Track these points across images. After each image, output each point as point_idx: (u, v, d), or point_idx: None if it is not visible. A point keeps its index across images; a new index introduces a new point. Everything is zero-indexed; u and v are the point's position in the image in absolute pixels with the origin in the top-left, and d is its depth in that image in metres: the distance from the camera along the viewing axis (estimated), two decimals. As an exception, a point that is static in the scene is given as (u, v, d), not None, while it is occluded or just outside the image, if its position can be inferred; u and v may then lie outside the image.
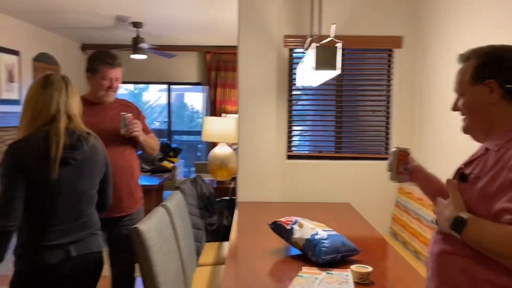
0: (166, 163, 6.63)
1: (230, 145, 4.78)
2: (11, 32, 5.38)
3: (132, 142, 2.52)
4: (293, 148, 3.57)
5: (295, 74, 3.46)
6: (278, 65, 3.42)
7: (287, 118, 3.51)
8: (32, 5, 4.75)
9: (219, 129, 4.54)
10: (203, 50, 7.40)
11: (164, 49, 6.32)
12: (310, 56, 2.21)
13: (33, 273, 1.76)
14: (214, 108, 7.34)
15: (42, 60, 6.11)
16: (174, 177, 6.74)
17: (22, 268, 1.77)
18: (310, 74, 2.32)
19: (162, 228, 2.12)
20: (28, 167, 1.73)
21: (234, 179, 4.63)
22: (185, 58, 7.37)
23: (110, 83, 2.43)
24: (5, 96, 5.11)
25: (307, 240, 2.05)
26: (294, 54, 3.49)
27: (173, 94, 8.20)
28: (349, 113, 3.65)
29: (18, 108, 4.15)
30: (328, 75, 2.24)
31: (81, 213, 1.85)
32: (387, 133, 3.60)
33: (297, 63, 3.46)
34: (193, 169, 9.21)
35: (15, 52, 5.38)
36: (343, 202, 3.35)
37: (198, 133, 8.74)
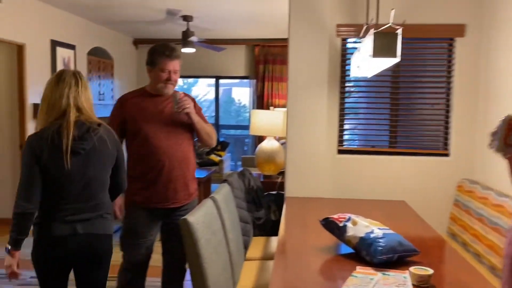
0: (213, 157, 6.67)
1: (277, 139, 4.69)
2: (68, 27, 5.58)
3: (189, 132, 2.51)
4: (344, 143, 3.44)
5: (348, 65, 3.33)
6: (329, 56, 3.28)
7: (338, 111, 3.38)
8: (87, 0, 4.89)
9: (267, 122, 4.46)
10: (251, 43, 7.35)
11: (212, 43, 6.33)
12: (367, 44, 2.08)
13: (44, 243, 1.95)
14: (261, 102, 7.29)
15: (96, 54, 6.30)
16: (221, 170, 6.77)
17: (37, 237, 1.97)
18: (366, 63, 2.19)
19: (211, 221, 2.08)
20: (42, 157, 1.89)
21: (281, 173, 4.55)
22: (233, 51, 7.36)
23: (169, 75, 2.42)
24: (62, 89, 5.29)
25: (361, 238, 1.94)
26: (347, 44, 3.35)
27: (220, 89, 8.23)
28: (405, 106, 3.47)
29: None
30: (386, 63, 2.10)
31: (91, 196, 1.99)
32: (447, 128, 3.38)
33: (350, 54, 3.32)
34: (239, 163, 9.22)
35: (71, 46, 5.58)
36: (398, 199, 3.18)
37: (245, 127, 8.74)
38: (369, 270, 1.83)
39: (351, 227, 2.01)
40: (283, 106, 7.27)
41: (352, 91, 3.49)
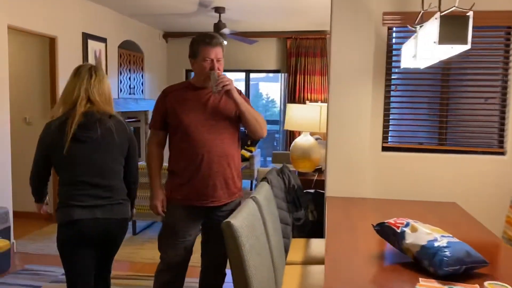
0: (244, 152, 6.54)
1: (311, 135, 4.49)
2: (99, 20, 5.52)
3: (234, 127, 2.37)
4: (389, 139, 3.22)
5: (394, 55, 3.10)
6: (375, 46, 3.07)
7: (383, 105, 3.17)
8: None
9: (303, 117, 4.26)
10: (283, 36, 7.16)
11: (243, 36, 6.17)
12: (430, 30, 1.87)
13: (65, 225, 2.11)
14: (293, 96, 7.11)
15: (127, 47, 6.24)
16: (252, 166, 6.63)
17: (59, 221, 2.13)
18: (426, 52, 1.98)
19: (254, 224, 1.92)
20: (51, 143, 2.10)
21: (317, 170, 4.36)
22: (264, 44, 7.19)
23: (212, 64, 2.27)
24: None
25: (423, 247, 1.74)
26: (393, 34, 3.12)
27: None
28: (456, 100, 3.21)
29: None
30: (453, 51, 1.88)
31: (103, 182, 2.13)
32: (502, 124, 3.12)
33: (398, 43, 3.10)
34: (269, 158, 9.06)
35: (102, 39, 5.52)
36: (448, 201, 2.95)
37: (275, 122, 8.55)
38: (434, 283, 1.63)
39: (410, 234, 1.81)
40: (316, 101, 7.06)
41: (399, 84, 3.25)
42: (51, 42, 4.73)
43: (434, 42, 1.75)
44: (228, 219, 1.72)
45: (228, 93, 2.24)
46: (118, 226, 2.19)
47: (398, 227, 1.86)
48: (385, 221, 1.92)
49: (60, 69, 4.79)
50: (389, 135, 3.23)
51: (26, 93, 5.02)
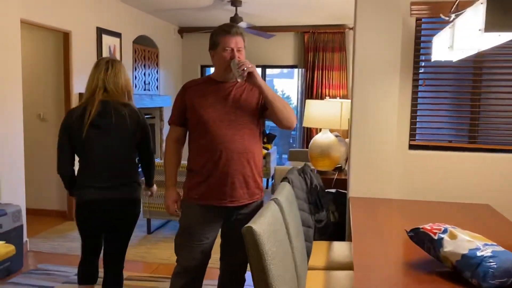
0: (260, 149, 6.39)
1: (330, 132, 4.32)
2: (114, 15, 5.43)
3: (255, 123, 2.23)
4: (417, 137, 3.05)
5: (423, 48, 2.93)
6: (402, 38, 2.89)
7: (410, 101, 2.99)
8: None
9: (323, 113, 4.10)
10: (300, 30, 6.98)
11: (260, 30, 6.01)
12: (472, 17, 1.70)
13: (81, 205, 2.35)
14: (311, 92, 6.93)
15: (141, 42, 6.14)
16: (268, 164, 6.49)
17: (76, 200, 2.38)
18: (467, 42, 1.80)
19: (276, 228, 1.78)
20: (71, 128, 2.31)
21: (337, 169, 4.20)
22: (281, 39, 7.02)
23: (232, 54, 2.13)
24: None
25: (464, 256, 1.58)
26: (422, 25, 2.94)
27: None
28: (489, 96, 3.02)
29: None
30: (499, 39, 1.70)
31: (114, 166, 2.33)
32: (539, 121, 2.93)
33: (426, 35, 2.92)
34: (284, 156, 8.90)
35: (117, 34, 5.42)
36: (480, 203, 2.77)
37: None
38: (478, 297, 1.47)
39: (449, 241, 1.65)
40: (335, 97, 6.87)
41: (427, 78, 3.07)
42: (65, 37, 4.65)
43: (479, 30, 1.57)
44: (249, 224, 1.58)
45: (250, 76, 2.07)
46: (129, 204, 2.38)
47: (435, 234, 1.70)
48: (420, 226, 1.76)
49: (75, 65, 4.71)
50: (417, 132, 3.06)
51: (40, 89, 4.96)
